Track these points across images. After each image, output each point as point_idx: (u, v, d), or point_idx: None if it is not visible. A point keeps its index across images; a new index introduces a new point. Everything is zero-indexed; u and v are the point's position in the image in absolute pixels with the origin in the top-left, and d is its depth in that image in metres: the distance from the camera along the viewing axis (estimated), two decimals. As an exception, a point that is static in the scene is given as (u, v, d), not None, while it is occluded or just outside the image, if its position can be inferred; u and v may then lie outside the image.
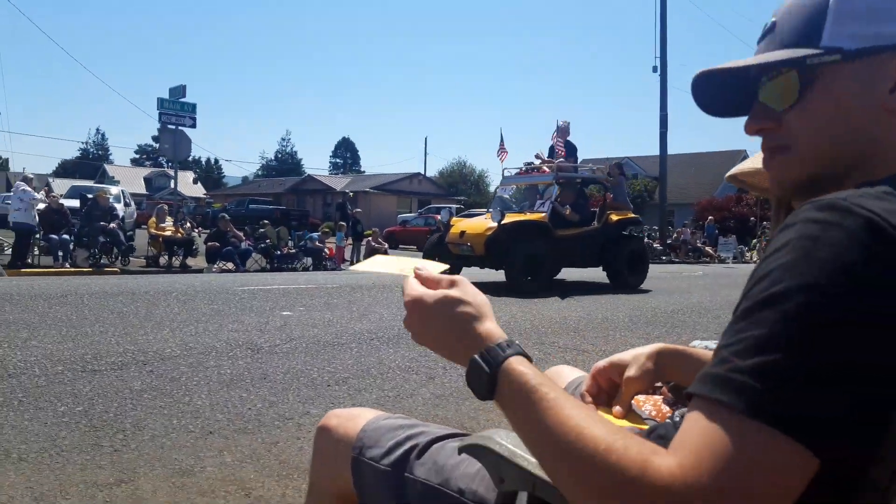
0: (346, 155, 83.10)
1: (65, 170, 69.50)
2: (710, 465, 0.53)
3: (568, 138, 12.16)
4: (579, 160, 12.89)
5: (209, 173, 73.66)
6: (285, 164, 75.97)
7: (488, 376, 0.70)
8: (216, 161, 76.05)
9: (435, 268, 0.88)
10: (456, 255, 10.38)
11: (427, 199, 43.28)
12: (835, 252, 0.56)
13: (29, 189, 11.96)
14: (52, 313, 6.08)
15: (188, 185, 54.99)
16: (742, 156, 40.05)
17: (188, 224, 14.38)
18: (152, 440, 2.99)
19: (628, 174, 37.07)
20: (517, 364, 0.70)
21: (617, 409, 1.04)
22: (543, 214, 10.44)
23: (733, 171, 1.61)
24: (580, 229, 10.73)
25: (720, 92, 0.84)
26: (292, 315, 6.67)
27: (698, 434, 0.55)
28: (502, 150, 13.64)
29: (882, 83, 0.70)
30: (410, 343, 5.35)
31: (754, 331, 0.57)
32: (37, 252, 12.38)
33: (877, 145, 0.71)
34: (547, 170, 11.39)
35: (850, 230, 0.57)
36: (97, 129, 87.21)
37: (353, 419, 1.17)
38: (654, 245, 24.59)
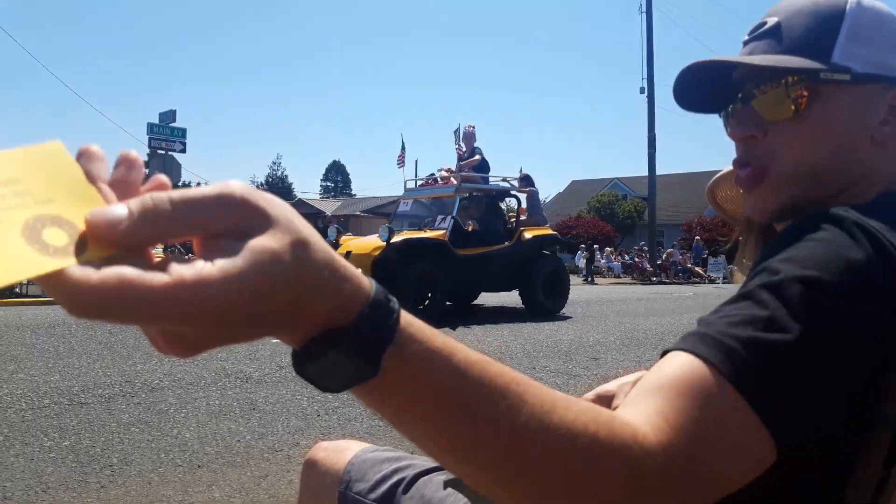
0: (336, 178, 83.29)
1: (54, 196, 69.10)
2: (689, 429, 0.48)
3: (476, 145, 10.77)
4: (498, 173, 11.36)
5: (199, 198, 73.39)
6: (276, 188, 75.91)
7: (375, 340, 0.39)
8: (206, 184, 75.81)
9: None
10: None
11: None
12: (839, 252, 0.56)
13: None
14: (39, 345, 6.03)
15: (178, 210, 54.70)
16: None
17: (177, 249, 14.33)
18: (140, 475, 2.96)
19: (619, 195, 37.57)
20: (415, 319, 0.43)
21: None
22: (443, 231, 9.30)
23: (715, 178, 1.51)
24: (488, 248, 9.64)
25: (697, 85, 0.79)
26: (282, 343, 6.63)
27: (678, 390, 0.50)
28: (402, 158, 12.23)
29: (875, 113, 0.70)
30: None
31: (753, 310, 0.54)
32: (25, 281, 12.24)
33: (860, 173, 0.71)
34: (453, 180, 10.34)
35: (853, 235, 0.57)
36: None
37: (340, 452, 1.16)
38: (647, 266, 24.75)
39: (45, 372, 4.88)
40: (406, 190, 11.20)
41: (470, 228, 9.74)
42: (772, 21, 0.74)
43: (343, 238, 9.98)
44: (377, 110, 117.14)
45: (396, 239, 8.76)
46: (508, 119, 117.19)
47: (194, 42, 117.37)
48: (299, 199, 54.76)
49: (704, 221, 32.18)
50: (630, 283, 22.72)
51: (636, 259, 25.83)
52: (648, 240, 27.15)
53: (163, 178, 0.39)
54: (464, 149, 10.71)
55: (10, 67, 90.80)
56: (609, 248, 27.81)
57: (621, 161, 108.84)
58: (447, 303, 10.21)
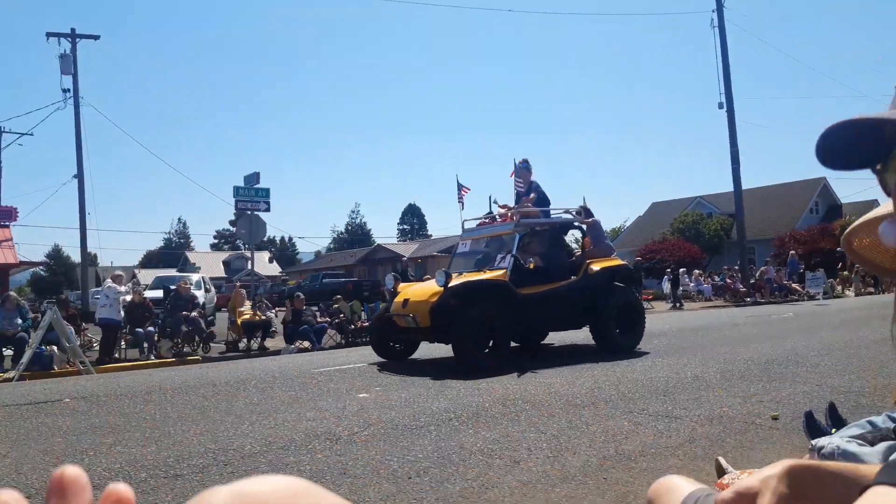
0: (412, 221, 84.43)
1: (150, 260, 73.15)
2: None
3: (532, 179, 10.28)
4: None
5: (283, 251, 76.01)
6: (355, 235, 77.71)
7: None
8: (290, 239, 78.31)
9: None
10: (403, 329, 9.06)
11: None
12: None
13: (114, 285, 12.50)
14: (136, 413, 6.18)
15: (264, 264, 56.77)
16: (821, 184, 38.54)
17: (264, 304, 14.71)
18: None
19: (703, 213, 36.29)
20: None
21: None
22: (503, 271, 8.83)
23: (851, 227, 1.38)
24: (554, 284, 9.09)
25: (844, 140, 0.70)
26: (369, 397, 6.58)
27: None
28: (461, 198, 11.13)
29: None
30: (490, 423, 5.17)
31: None
32: (123, 346, 12.85)
33: None
34: (511, 216, 9.71)
35: None
36: (178, 219, 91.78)
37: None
38: (739, 287, 23.64)
39: (141, 443, 4.96)
40: (464, 230, 10.66)
41: (532, 266, 9.27)
42: None
43: (401, 286, 9.71)
44: (447, 150, 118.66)
45: (454, 283, 8.43)
46: (580, 147, 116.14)
47: (275, 106, 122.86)
48: (378, 245, 55.73)
49: (798, 234, 30.59)
50: (723, 306, 21.70)
51: (727, 280, 24.72)
52: (739, 258, 26.00)
53: (121, 491, 0.34)
54: (521, 184, 10.28)
55: (100, 140, 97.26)
56: (697, 271, 26.75)
57: (702, 179, 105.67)
58: (513, 344, 9.84)
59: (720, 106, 25.24)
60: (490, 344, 8.36)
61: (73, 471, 0.33)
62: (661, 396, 5.96)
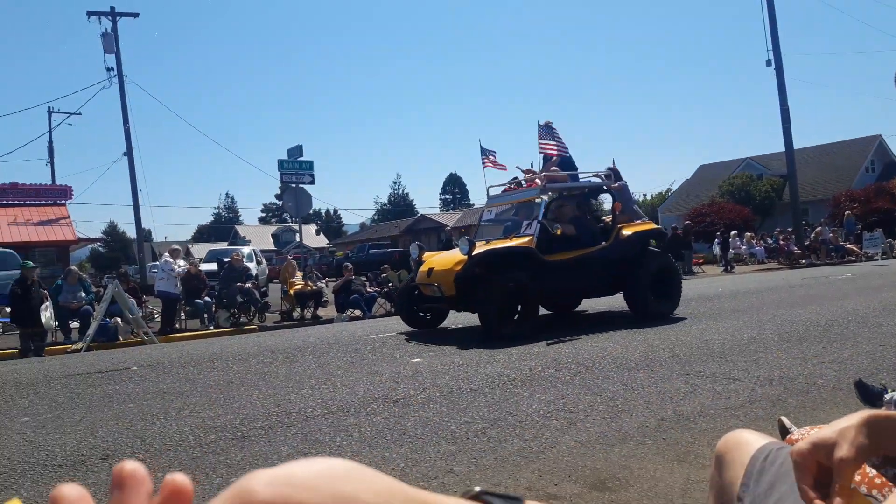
0: (454, 191, 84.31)
1: (201, 234, 74.93)
2: None
3: (558, 141, 10.01)
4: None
5: (329, 223, 76.94)
6: (398, 206, 78.07)
7: None
8: (335, 211, 79.26)
9: None
10: (429, 298, 8.95)
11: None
12: None
13: (170, 260, 12.88)
14: (201, 380, 6.41)
15: (312, 236, 57.60)
16: (877, 142, 37.01)
17: (315, 275, 14.97)
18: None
19: (753, 175, 35.30)
20: None
21: (838, 501, 0.88)
22: (529, 238, 8.58)
23: None
24: (584, 250, 8.84)
25: None
26: (422, 362, 6.68)
27: None
28: (487, 160, 10.68)
29: None
30: (545, 386, 5.21)
31: None
32: (183, 317, 13.28)
33: None
34: (537, 181, 9.40)
35: None
36: (227, 194, 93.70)
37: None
38: (793, 249, 23.04)
39: (208, 407, 5.16)
40: (489, 197, 10.34)
41: (559, 232, 8.90)
42: None
43: (426, 255, 9.49)
44: (487, 118, 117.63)
45: (478, 251, 8.25)
46: (625, 111, 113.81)
47: (316, 81, 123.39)
48: (421, 215, 55.88)
49: (854, 194, 29.52)
50: (777, 269, 21.20)
51: (781, 242, 24.10)
52: (793, 219, 25.29)
53: (178, 482, 0.34)
54: (549, 147, 10.00)
55: (146, 117, 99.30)
56: (749, 233, 26.12)
57: (751, 139, 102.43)
58: (548, 311, 9.72)
59: (768, 63, 24.43)
60: (518, 312, 8.25)
61: (131, 465, 0.35)
62: (717, 359, 5.90)
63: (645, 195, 58.57)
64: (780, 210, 32.22)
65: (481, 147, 10.81)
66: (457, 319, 9.81)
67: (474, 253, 8.15)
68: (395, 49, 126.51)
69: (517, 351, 6.90)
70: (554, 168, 9.68)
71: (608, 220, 9.90)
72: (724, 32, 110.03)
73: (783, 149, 25.22)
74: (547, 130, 9.94)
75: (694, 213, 30.24)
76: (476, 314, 8.29)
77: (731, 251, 23.18)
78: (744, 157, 41.17)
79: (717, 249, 23.25)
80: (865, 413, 0.96)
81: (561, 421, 4.23)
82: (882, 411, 0.98)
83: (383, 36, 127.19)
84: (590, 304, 10.79)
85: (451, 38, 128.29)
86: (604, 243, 9.07)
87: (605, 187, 9.90)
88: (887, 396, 1.45)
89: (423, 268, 8.96)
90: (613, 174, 9.77)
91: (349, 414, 4.71)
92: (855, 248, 22.95)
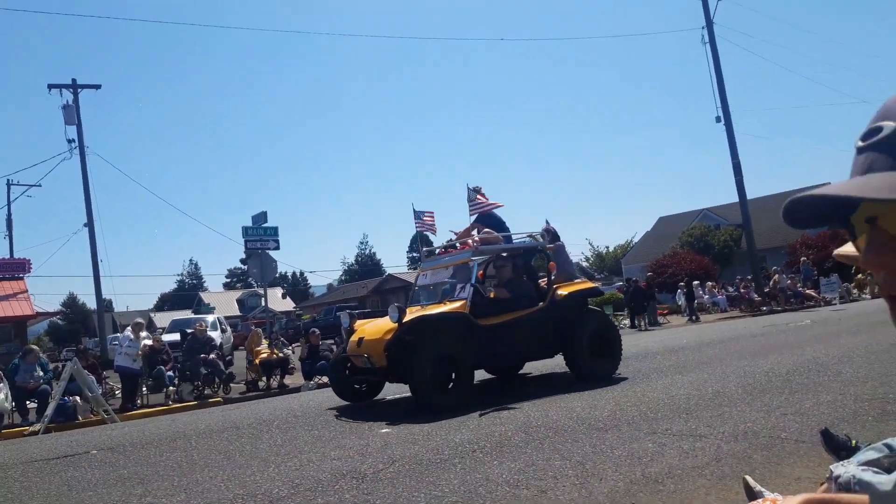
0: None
1: (164, 302, 73.59)
2: None
3: (488, 203, 9.86)
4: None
5: (296, 286, 76.26)
6: (366, 266, 77.93)
7: None
8: (301, 273, 78.70)
9: None
10: (362, 370, 8.47)
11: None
12: None
13: (132, 337, 12.62)
14: (163, 462, 6.23)
15: (277, 300, 56.96)
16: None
17: (280, 342, 14.78)
18: None
19: (710, 225, 36.22)
20: None
21: None
22: (462, 302, 8.23)
23: (839, 251, 1.51)
24: (520, 312, 8.56)
25: (810, 207, 0.71)
26: (391, 431, 6.60)
27: None
28: (420, 222, 10.40)
29: None
30: (514, 452, 5.19)
31: None
32: (145, 391, 12.93)
33: None
34: (470, 243, 9.13)
35: None
36: (190, 260, 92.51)
37: None
38: (754, 296, 23.53)
39: (171, 492, 5.01)
40: (423, 260, 10.04)
41: (492, 295, 8.71)
42: (889, 127, 0.66)
43: (357, 324, 9.07)
44: (449, 175, 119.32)
45: (409, 318, 7.90)
46: (582, 165, 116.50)
47: (280, 144, 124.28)
48: (389, 275, 55.87)
49: (809, 240, 30.43)
50: (739, 317, 21.58)
51: (741, 290, 24.61)
52: (751, 268, 25.92)
53: None
54: (475, 205, 9.83)
55: (108, 187, 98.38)
56: (710, 283, 26.64)
57: (708, 191, 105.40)
58: (488, 375, 9.55)
59: (717, 119, 25.46)
60: (453, 380, 7.88)
61: None
62: (683, 415, 5.96)
63: (608, 247, 59.45)
64: (739, 259, 32.99)
65: (414, 210, 10.68)
66: (396, 389, 9.43)
67: (405, 320, 7.83)
68: (355, 111, 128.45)
69: (487, 417, 6.87)
70: (486, 230, 9.47)
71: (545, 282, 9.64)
72: (676, 90, 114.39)
73: (737, 199, 26.03)
74: (476, 193, 9.81)
75: (656, 264, 30.77)
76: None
77: (696, 301, 23.61)
78: (701, 207, 42.29)
79: (681, 300, 23.64)
80: (804, 497, 1.02)
81: (531, 490, 4.21)
82: (818, 495, 1.04)
83: (346, 99, 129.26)
84: (533, 367, 10.49)
85: (418, 99, 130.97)
86: (541, 304, 8.86)
87: (539, 248, 9.72)
88: (831, 469, 1.51)
89: (354, 337, 8.56)
90: (550, 234, 9.63)
91: (317, 493, 4.61)
92: (813, 294, 23.51)
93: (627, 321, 22.75)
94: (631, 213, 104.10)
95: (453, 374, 7.86)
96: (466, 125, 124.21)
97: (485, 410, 7.13)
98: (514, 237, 9.76)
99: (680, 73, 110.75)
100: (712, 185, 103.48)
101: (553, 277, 9.23)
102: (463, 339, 7.97)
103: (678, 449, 4.84)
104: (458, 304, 8.28)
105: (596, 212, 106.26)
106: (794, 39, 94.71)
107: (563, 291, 8.91)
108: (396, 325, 7.81)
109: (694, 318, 21.81)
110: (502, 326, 8.33)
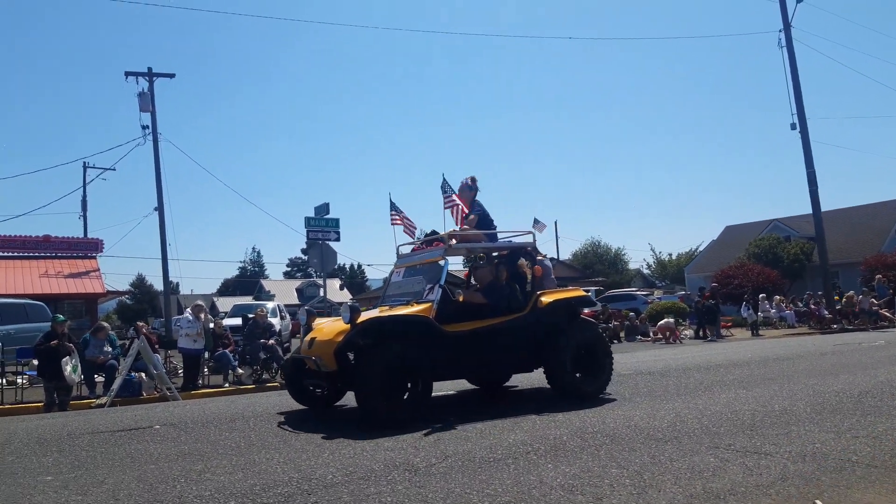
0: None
1: (227, 288, 75.76)
2: None
3: (476, 198, 8.75)
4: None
5: (353, 278, 77.36)
6: (423, 258, 78.34)
7: None
8: (359, 266, 79.81)
9: None
10: (315, 373, 7.47)
11: (563, 283, 42.68)
12: None
13: (192, 318, 13.02)
14: (222, 441, 6.38)
15: (336, 291, 57.94)
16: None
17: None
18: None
19: (780, 237, 34.97)
20: None
21: None
22: (427, 305, 7.33)
23: None
24: (495, 320, 7.62)
25: None
26: (444, 427, 6.58)
27: None
28: (397, 217, 9.74)
29: None
30: (570, 457, 5.10)
31: None
32: (206, 372, 13.33)
33: None
34: (453, 242, 8.10)
35: None
36: (253, 248, 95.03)
37: None
38: (824, 313, 22.62)
39: (229, 470, 5.12)
40: (398, 257, 9.17)
41: (461, 298, 7.92)
42: None
43: (315, 322, 8.33)
44: (508, 170, 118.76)
45: (363, 319, 7.05)
46: (645, 166, 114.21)
47: (344, 140, 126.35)
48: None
49: (885, 258, 29.04)
50: (807, 334, 20.77)
51: (811, 306, 23.68)
52: (823, 283, 24.91)
53: None
54: (455, 199, 9.07)
55: (178, 173, 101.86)
56: (778, 297, 25.72)
57: (778, 201, 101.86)
58: (472, 386, 8.90)
59: (793, 127, 24.56)
60: (408, 391, 7.01)
61: None
62: (747, 431, 5.75)
63: (671, 254, 58.07)
64: (810, 273, 31.77)
65: (391, 202, 10.02)
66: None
67: (358, 321, 6.99)
68: (417, 106, 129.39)
69: (541, 419, 6.78)
70: (465, 226, 8.56)
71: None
72: (749, 94, 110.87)
73: (809, 210, 25.06)
74: (468, 187, 8.85)
75: (721, 274, 29.92)
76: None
77: (761, 314, 22.86)
78: (770, 218, 40.93)
79: (747, 312, 23.03)
80: None
81: (587, 496, 4.13)
82: None
83: (406, 93, 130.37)
84: (520, 380, 9.51)
85: (475, 98, 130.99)
86: (520, 312, 7.88)
87: (527, 248, 8.56)
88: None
89: (307, 337, 7.79)
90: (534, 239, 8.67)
91: (370, 482, 4.63)
92: (888, 314, 22.45)
93: (690, 332, 22.25)
94: (696, 220, 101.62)
95: (409, 385, 7.02)
96: (530, 122, 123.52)
97: (541, 413, 7.05)
98: (498, 235, 8.73)
99: (754, 77, 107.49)
100: (784, 195, 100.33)
101: (536, 282, 8.21)
102: (424, 346, 7.06)
103: (741, 465, 4.67)
104: (422, 307, 7.37)
105: (659, 217, 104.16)
106: (877, 45, 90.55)
107: (546, 299, 7.93)
108: (349, 326, 7.00)
109: (755, 331, 21.17)
110: (472, 334, 7.44)
